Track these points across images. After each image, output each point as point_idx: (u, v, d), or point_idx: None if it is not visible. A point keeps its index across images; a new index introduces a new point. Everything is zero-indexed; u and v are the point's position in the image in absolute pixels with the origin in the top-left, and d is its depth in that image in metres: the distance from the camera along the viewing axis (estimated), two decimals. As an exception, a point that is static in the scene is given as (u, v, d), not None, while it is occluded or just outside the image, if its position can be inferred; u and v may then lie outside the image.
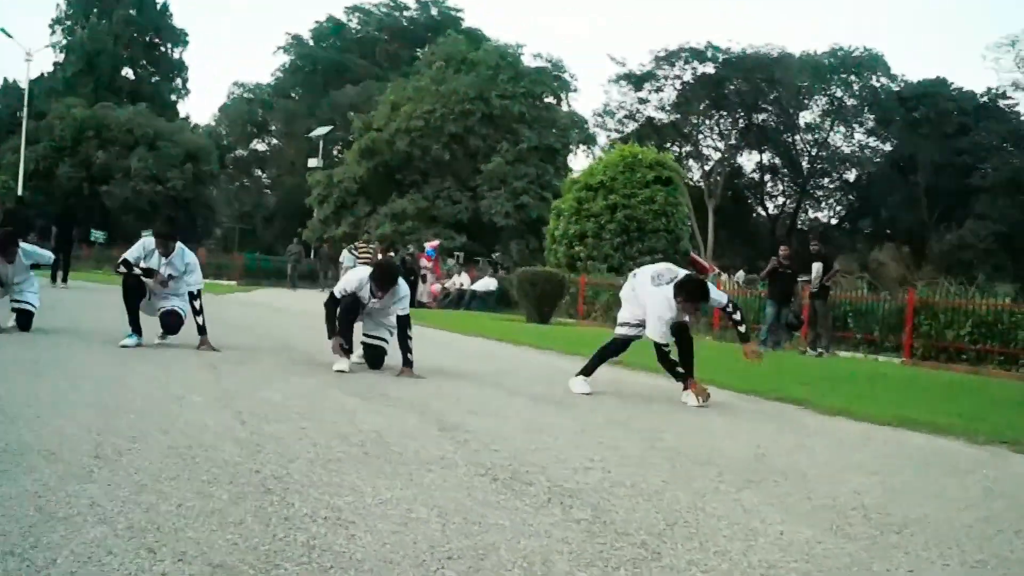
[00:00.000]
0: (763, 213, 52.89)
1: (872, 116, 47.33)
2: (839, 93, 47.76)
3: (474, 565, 2.37)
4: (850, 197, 49.86)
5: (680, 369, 6.27)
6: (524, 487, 3.29)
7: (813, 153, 49.76)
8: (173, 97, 53.98)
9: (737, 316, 6.55)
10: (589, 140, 43.14)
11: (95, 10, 50.05)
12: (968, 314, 12.67)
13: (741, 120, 48.97)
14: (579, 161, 58.89)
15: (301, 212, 42.93)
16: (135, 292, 7.33)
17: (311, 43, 56.64)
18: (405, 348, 6.70)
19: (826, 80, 47.13)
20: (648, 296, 6.21)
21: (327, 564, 2.30)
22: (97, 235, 34.24)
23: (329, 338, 6.77)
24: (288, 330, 11.26)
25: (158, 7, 51.72)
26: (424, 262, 24.73)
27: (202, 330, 7.49)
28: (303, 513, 2.74)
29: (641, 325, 6.30)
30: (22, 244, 7.94)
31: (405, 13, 55.74)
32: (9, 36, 35.21)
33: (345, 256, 27.48)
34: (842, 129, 48.85)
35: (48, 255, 8.68)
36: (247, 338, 9.13)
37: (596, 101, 73.98)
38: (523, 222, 34.20)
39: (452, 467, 3.55)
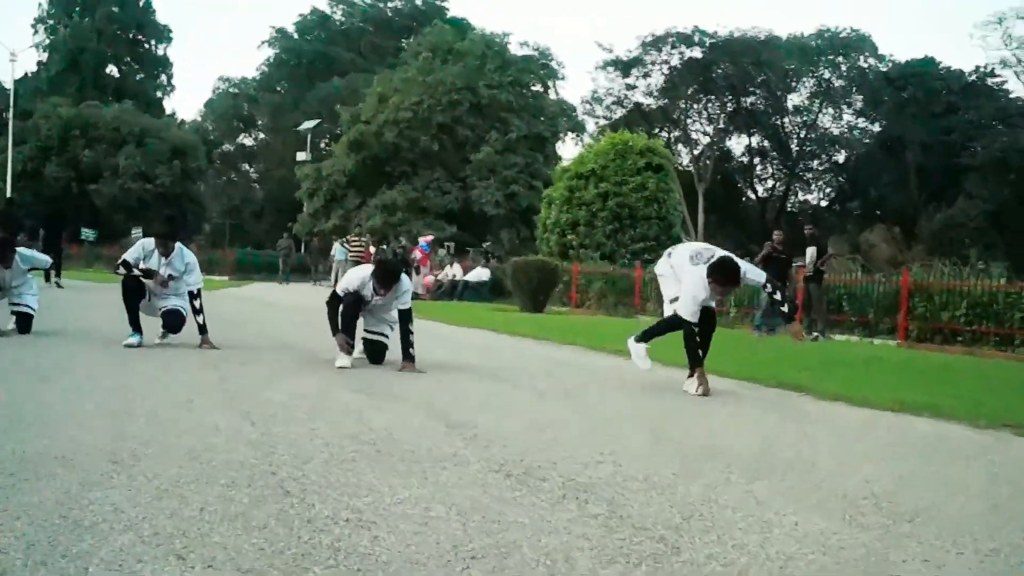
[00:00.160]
0: (753, 196, 52.94)
1: (860, 97, 47.32)
2: (827, 75, 47.72)
3: (498, 564, 2.40)
4: (840, 179, 49.93)
5: (701, 353, 6.23)
6: (538, 483, 3.32)
7: (802, 135, 49.75)
8: (158, 94, 53.92)
9: (778, 296, 6.54)
10: (578, 128, 43.18)
11: (77, 8, 49.90)
12: (963, 295, 12.75)
13: (729, 104, 48.94)
14: (568, 149, 58.91)
15: (290, 206, 42.88)
16: (135, 293, 7.35)
17: (295, 36, 56.41)
18: (407, 343, 6.73)
19: (814, 62, 47.10)
20: (686, 274, 6.20)
21: (354, 567, 2.32)
22: (87, 233, 34.19)
23: (333, 335, 6.79)
24: (283, 326, 11.31)
25: (140, 4, 51.57)
26: (416, 254, 24.75)
27: (203, 329, 7.52)
28: (324, 515, 2.76)
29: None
30: (19, 249, 7.95)
31: (389, 4, 55.66)
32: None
33: (336, 249, 27.48)
34: (830, 111, 48.84)
35: (46, 259, 8.70)
36: (245, 335, 9.15)
37: (584, 88, 73.92)
38: (513, 211, 34.22)
39: (465, 464, 3.58)
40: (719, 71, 46.83)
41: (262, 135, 59.20)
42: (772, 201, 51.39)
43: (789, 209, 50.13)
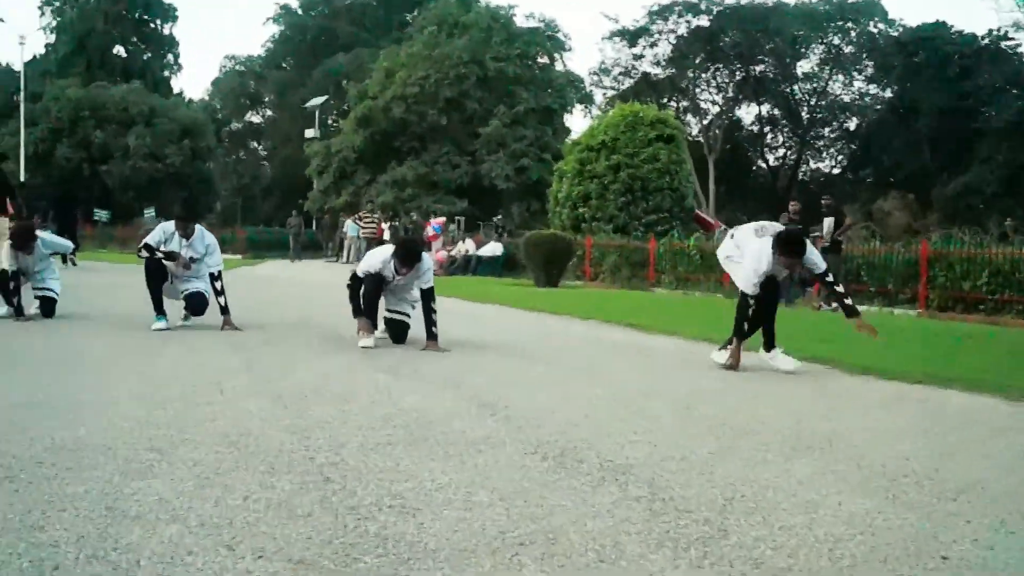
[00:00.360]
0: (764, 165, 52.56)
1: (871, 63, 46.72)
2: (836, 41, 47.11)
3: (547, 551, 2.39)
4: (852, 146, 49.41)
5: (747, 327, 6.09)
6: (576, 464, 3.31)
7: (812, 103, 49.24)
8: (166, 73, 53.75)
9: (840, 288, 6.43)
10: (586, 99, 42.84)
11: (83, -11, 49.67)
12: (984, 264, 12.63)
13: (738, 72, 48.42)
14: (577, 121, 58.55)
15: (299, 183, 42.80)
16: (158, 276, 7.37)
17: (300, 12, 56.07)
18: (429, 322, 6.72)
19: (823, 28, 46.50)
20: (749, 245, 6.14)
21: (404, 555, 2.31)
22: (101, 214, 34.27)
23: (355, 316, 6.78)
24: (301, 303, 11.30)
25: (145, -17, 51.27)
26: (428, 229, 24.74)
27: (224, 310, 7.55)
28: (368, 502, 2.76)
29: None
30: (41, 235, 7.98)
31: (394, -23, 55.09)
32: (1, 20, 34.99)
33: (349, 226, 27.47)
34: (841, 77, 48.24)
35: (68, 244, 8.75)
36: (265, 314, 9.14)
37: (591, 60, 73.31)
38: (524, 184, 34.05)
39: (500, 446, 3.57)
40: (727, 39, 46.30)
41: (269, 112, 59.05)
42: (784, 170, 51.00)
43: (801, 178, 49.76)
